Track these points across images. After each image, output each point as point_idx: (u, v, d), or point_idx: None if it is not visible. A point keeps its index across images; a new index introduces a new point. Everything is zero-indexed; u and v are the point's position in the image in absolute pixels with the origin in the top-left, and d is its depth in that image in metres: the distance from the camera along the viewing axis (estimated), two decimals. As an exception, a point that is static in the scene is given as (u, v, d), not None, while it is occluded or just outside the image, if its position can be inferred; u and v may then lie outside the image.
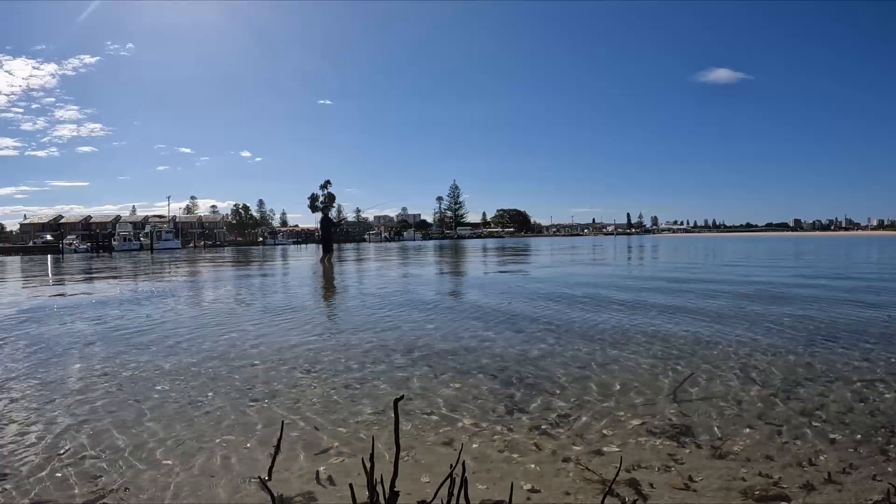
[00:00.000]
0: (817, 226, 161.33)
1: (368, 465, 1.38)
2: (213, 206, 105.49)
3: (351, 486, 1.38)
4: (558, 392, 2.56)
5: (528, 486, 1.64)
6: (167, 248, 52.72)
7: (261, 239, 79.70)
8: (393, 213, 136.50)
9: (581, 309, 5.21)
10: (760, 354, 3.21)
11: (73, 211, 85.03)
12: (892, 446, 1.88)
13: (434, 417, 2.26)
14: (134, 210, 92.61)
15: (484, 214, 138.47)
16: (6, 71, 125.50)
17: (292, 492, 1.63)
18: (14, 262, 25.90)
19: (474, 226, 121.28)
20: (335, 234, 14.85)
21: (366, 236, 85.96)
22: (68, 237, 60.11)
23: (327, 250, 13.98)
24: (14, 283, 11.32)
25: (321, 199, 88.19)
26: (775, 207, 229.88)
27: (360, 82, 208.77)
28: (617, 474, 1.60)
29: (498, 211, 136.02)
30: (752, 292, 6.47)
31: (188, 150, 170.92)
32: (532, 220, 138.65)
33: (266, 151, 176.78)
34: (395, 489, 1.33)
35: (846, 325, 4.12)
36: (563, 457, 1.85)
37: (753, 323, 4.27)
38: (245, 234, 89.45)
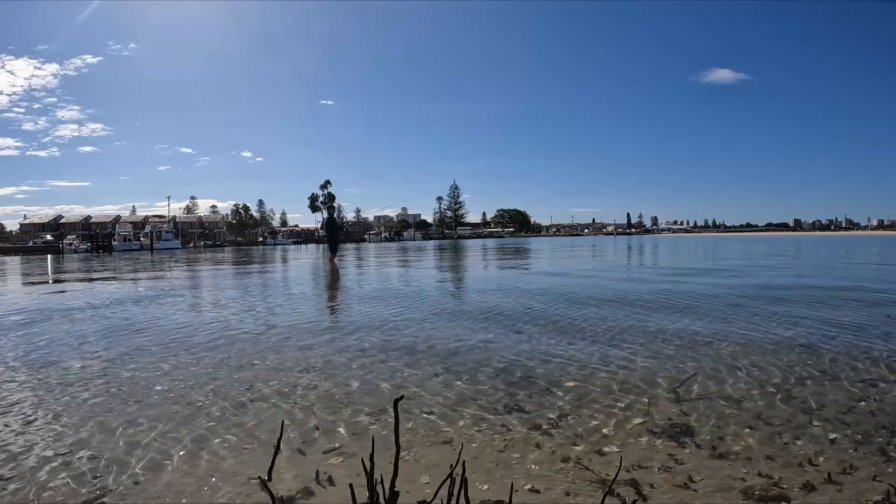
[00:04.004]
0: (817, 226, 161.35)
1: (368, 465, 1.38)
2: (213, 206, 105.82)
3: (351, 486, 1.37)
4: (558, 391, 2.56)
5: (528, 486, 1.64)
6: (167, 248, 52.70)
7: (261, 239, 79.74)
8: (393, 213, 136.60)
9: (585, 309, 5.21)
10: (762, 353, 3.21)
11: (74, 211, 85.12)
12: (892, 447, 1.88)
13: (434, 417, 2.25)
14: (134, 210, 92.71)
15: (484, 214, 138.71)
16: (8, 71, 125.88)
17: (292, 492, 1.63)
18: (13, 262, 25.89)
19: (474, 226, 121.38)
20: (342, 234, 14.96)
21: (366, 236, 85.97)
22: (68, 237, 60.19)
23: (334, 250, 13.99)
24: (12, 283, 11.32)
25: (321, 199, 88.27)
26: (775, 207, 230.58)
27: (360, 82, 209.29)
28: (617, 474, 1.60)
29: (498, 211, 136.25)
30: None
31: (189, 150, 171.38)
32: (532, 220, 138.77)
33: (267, 152, 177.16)
34: (395, 489, 1.33)
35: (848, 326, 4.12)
36: (563, 457, 1.85)
37: (757, 324, 4.27)
38: (245, 234, 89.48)
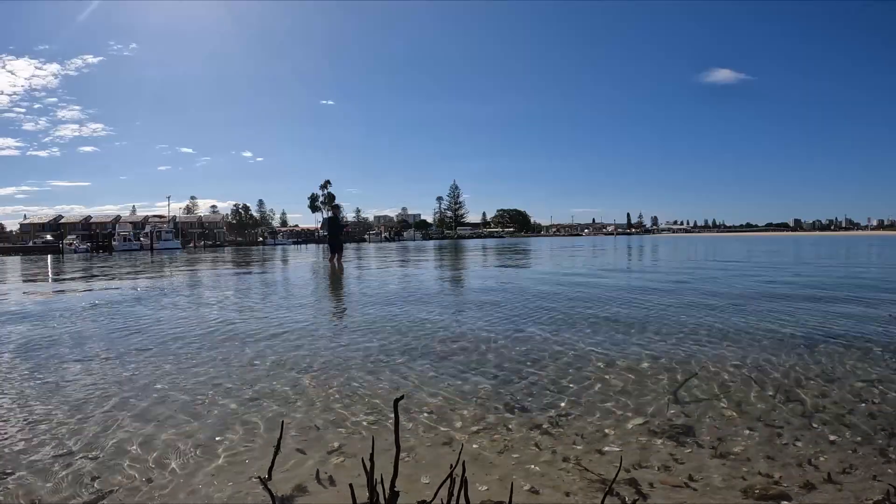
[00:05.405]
0: (817, 226, 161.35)
1: (368, 465, 1.38)
2: (213, 206, 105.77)
3: (351, 486, 1.38)
4: (559, 391, 2.56)
5: (528, 487, 1.64)
6: (167, 248, 52.68)
7: (261, 239, 79.80)
8: (393, 213, 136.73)
9: (584, 308, 5.21)
10: (762, 353, 3.21)
11: (74, 211, 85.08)
12: (891, 447, 1.88)
13: (434, 416, 2.26)
14: (134, 210, 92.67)
15: (484, 214, 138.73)
16: (8, 71, 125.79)
17: (292, 491, 1.63)
18: (12, 262, 25.90)
19: (474, 226, 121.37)
20: (343, 235, 14.82)
21: (366, 236, 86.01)
22: (68, 237, 60.18)
23: (334, 250, 13.97)
24: (12, 283, 11.32)
25: (321, 199, 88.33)
26: (775, 207, 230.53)
27: (360, 82, 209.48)
28: (617, 474, 1.60)
29: (498, 211, 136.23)
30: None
31: (189, 150, 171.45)
32: (532, 220, 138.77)
33: (267, 152, 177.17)
34: (395, 489, 1.33)
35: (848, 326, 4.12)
36: (563, 456, 1.85)
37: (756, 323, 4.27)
38: (245, 234, 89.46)
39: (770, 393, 2.48)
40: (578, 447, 1.93)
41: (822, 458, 1.80)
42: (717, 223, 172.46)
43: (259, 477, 1.69)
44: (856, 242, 31.60)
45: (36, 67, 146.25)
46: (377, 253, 25.25)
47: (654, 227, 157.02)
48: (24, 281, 11.77)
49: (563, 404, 2.38)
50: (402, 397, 1.53)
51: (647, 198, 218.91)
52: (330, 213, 15.33)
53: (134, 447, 1.98)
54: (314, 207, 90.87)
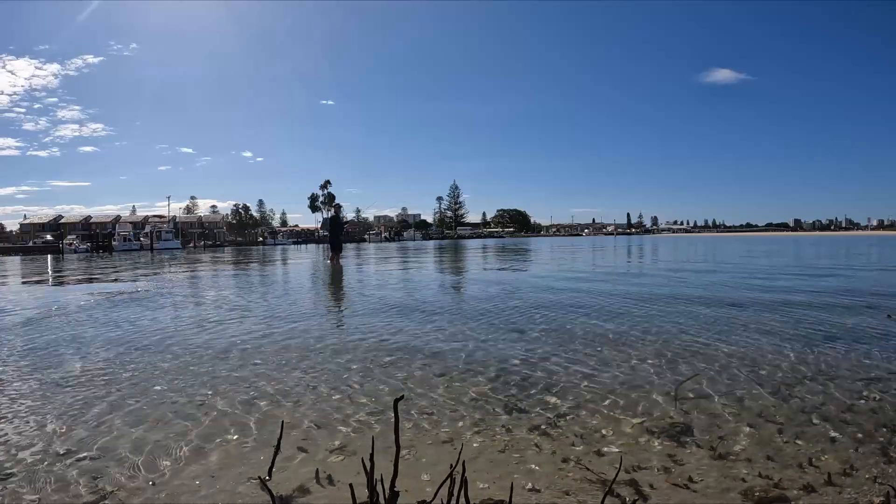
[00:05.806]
0: (817, 226, 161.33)
1: (368, 464, 1.38)
2: (213, 206, 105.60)
3: (351, 485, 1.37)
4: (558, 391, 2.56)
5: (529, 486, 1.64)
6: (167, 248, 52.66)
7: (261, 239, 79.78)
8: (393, 213, 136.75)
9: (583, 311, 5.20)
10: (761, 353, 3.21)
11: (74, 211, 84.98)
12: (892, 448, 1.88)
13: (434, 417, 2.25)
14: (134, 210, 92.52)
15: (484, 214, 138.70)
16: (9, 71, 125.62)
17: (292, 491, 1.63)
18: (12, 262, 25.91)
19: (474, 226, 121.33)
20: (343, 236, 14.79)
21: (366, 236, 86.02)
22: (68, 237, 60.15)
23: (335, 250, 13.96)
24: (11, 283, 11.31)
25: (321, 199, 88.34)
26: (775, 207, 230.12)
27: (360, 82, 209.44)
28: (617, 474, 1.60)
29: (498, 211, 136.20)
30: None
31: (190, 150, 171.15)
32: (532, 220, 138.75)
33: (267, 152, 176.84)
34: (395, 489, 1.33)
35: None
36: (563, 457, 1.85)
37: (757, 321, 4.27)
38: (245, 235, 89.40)
39: (770, 391, 2.48)
40: (578, 447, 1.93)
41: (822, 459, 1.80)
42: (717, 223, 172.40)
43: (259, 477, 1.69)
44: (856, 242, 31.57)
45: (36, 67, 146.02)
46: (377, 253, 25.25)
47: (654, 227, 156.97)
48: (24, 282, 11.77)
49: (562, 406, 2.38)
50: (401, 397, 1.53)
51: (647, 198, 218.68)
52: (332, 213, 15.30)
53: (134, 448, 1.98)
54: (314, 207, 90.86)
